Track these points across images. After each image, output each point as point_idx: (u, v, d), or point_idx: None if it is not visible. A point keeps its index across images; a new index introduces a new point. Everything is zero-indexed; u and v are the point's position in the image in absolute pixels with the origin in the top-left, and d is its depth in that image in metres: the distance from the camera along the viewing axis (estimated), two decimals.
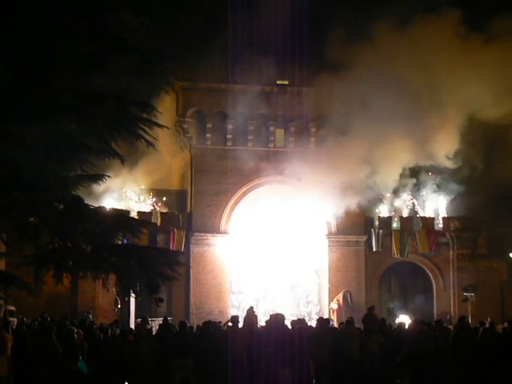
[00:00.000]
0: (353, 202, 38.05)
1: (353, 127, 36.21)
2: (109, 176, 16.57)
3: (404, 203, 42.64)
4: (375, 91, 35.12)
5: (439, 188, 42.02)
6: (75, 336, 16.47)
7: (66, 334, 16.41)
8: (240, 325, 21.06)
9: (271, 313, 25.24)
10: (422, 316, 34.64)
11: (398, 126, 35.26)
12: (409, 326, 22.11)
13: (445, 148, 36.90)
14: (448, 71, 35.62)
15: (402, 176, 39.00)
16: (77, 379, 16.14)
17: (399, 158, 37.12)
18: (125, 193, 38.95)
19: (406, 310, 39.35)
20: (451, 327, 24.96)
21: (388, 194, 41.68)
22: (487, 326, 22.23)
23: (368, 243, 41.60)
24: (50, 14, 12.97)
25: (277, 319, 18.13)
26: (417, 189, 42.00)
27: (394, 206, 42.66)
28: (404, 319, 31.83)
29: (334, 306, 39.93)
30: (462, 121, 36.38)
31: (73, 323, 23.83)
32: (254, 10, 35.73)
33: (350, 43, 36.18)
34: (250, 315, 23.85)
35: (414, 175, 40.45)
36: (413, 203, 42.77)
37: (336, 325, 29.78)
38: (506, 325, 21.42)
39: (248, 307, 26.32)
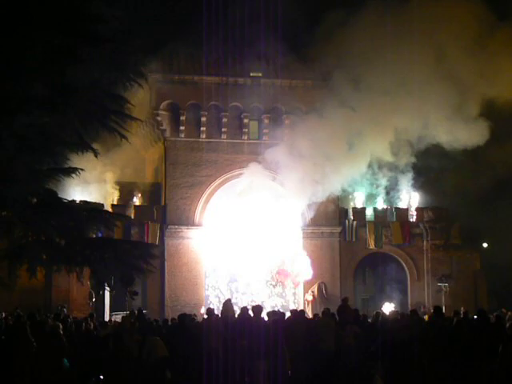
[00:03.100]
0: (327, 193, 38.17)
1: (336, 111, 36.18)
2: (82, 169, 16.49)
3: (378, 194, 42.82)
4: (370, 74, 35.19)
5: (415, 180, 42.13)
6: (61, 332, 16.28)
7: (51, 330, 16.20)
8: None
9: (246, 305, 25.33)
10: (395, 306, 34.90)
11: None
12: (386, 316, 22.23)
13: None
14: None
15: (378, 169, 39.18)
16: (65, 376, 16.01)
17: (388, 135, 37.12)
18: (98, 186, 38.72)
19: (381, 301, 39.52)
20: (426, 317, 25.14)
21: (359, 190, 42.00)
22: (461, 315, 22.40)
23: (342, 234, 41.72)
24: (21, 4, 12.86)
25: (253, 311, 18.12)
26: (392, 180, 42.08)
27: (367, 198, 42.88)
28: (386, 309, 32.00)
29: (309, 297, 40.02)
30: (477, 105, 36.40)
31: (46, 317, 23.66)
32: (229, 2, 35.66)
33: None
34: (227, 307, 23.83)
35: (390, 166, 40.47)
36: (387, 194, 42.95)
37: (311, 316, 29.83)
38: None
39: (225, 299, 26.31)
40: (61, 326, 16.62)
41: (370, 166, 38.70)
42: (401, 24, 35.37)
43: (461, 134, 36.12)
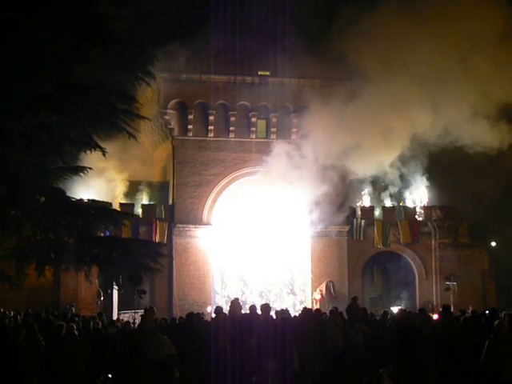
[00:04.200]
0: (335, 191, 38.19)
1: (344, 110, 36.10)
2: (90, 168, 16.51)
3: (386, 193, 42.72)
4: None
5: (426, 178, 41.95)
6: (76, 332, 16.22)
7: (66, 332, 16.13)
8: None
9: (253, 303, 25.30)
10: (404, 305, 34.81)
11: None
12: (394, 316, 22.20)
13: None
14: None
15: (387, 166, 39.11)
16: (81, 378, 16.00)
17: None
18: (106, 184, 38.76)
19: (389, 300, 39.47)
20: (432, 314, 25.11)
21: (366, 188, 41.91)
22: (469, 314, 22.34)
23: (350, 233, 41.65)
24: (29, 4, 12.88)
25: (261, 309, 18.12)
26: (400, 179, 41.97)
27: (376, 196, 42.78)
28: (394, 309, 31.97)
29: (317, 296, 39.99)
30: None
31: (54, 315, 23.69)
32: (237, 2, 35.64)
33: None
34: (235, 306, 23.79)
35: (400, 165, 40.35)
36: (395, 193, 42.83)
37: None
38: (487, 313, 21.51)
39: (233, 298, 26.26)
40: (75, 327, 16.54)
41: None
42: (419, 22, 35.06)
43: (481, 137, 35.92)
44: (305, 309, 21.68)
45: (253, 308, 19.20)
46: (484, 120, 35.92)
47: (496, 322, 14.82)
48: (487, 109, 35.82)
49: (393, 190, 42.55)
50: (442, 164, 39.88)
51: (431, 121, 36.06)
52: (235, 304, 24.35)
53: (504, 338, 14.17)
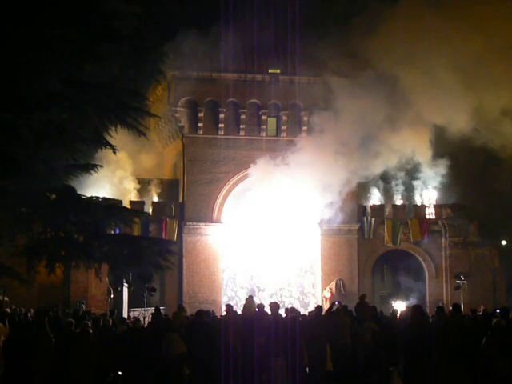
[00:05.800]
0: (346, 189, 38.18)
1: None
2: (101, 166, 16.55)
3: (397, 191, 42.62)
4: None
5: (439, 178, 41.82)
6: (90, 330, 16.22)
7: (81, 330, 16.14)
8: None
9: (262, 302, 25.32)
10: (410, 304, 34.68)
11: None
12: (404, 314, 22.14)
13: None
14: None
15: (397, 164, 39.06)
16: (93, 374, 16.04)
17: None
18: (117, 182, 38.81)
19: (399, 298, 39.38)
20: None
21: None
22: (480, 313, 22.26)
23: (360, 231, 41.60)
24: (38, 1, 12.90)
25: (270, 308, 18.10)
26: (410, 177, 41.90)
27: (386, 195, 42.69)
28: (400, 307, 31.90)
29: (327, 294, 39.97)
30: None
31: (66, 313, 23.75)
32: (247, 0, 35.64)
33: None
34: (250, 304, 23.80)
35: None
36: (405, 191, 42.74)
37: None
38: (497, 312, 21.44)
39: (247, 296, 26.27)
40: (89, 325, 16.54)
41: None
42: (441, 18, 34.91)
43: (504, 136, 35.75)
44: (318, 306, 21.69)
45: (261, 306, 19.20)
46: (509, 120, 35.79)
47: (494, 321, 14.91)
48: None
49: (404, 187, 42.45)
50: (456, 162, 39.77)
51: (451, 118, 35.98)
52: (250, 301, 24.37)
53: (499, 336, 14.26)
